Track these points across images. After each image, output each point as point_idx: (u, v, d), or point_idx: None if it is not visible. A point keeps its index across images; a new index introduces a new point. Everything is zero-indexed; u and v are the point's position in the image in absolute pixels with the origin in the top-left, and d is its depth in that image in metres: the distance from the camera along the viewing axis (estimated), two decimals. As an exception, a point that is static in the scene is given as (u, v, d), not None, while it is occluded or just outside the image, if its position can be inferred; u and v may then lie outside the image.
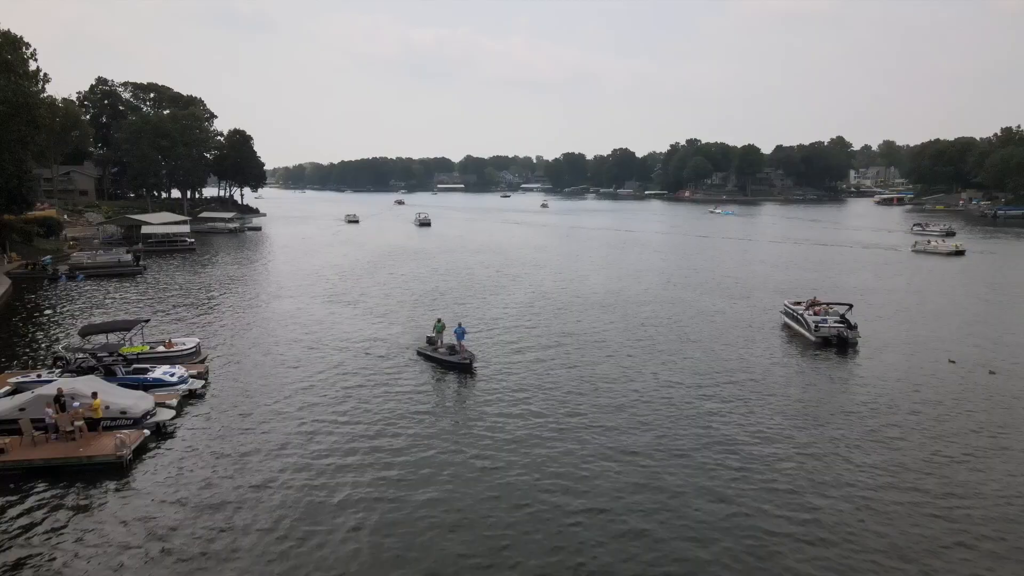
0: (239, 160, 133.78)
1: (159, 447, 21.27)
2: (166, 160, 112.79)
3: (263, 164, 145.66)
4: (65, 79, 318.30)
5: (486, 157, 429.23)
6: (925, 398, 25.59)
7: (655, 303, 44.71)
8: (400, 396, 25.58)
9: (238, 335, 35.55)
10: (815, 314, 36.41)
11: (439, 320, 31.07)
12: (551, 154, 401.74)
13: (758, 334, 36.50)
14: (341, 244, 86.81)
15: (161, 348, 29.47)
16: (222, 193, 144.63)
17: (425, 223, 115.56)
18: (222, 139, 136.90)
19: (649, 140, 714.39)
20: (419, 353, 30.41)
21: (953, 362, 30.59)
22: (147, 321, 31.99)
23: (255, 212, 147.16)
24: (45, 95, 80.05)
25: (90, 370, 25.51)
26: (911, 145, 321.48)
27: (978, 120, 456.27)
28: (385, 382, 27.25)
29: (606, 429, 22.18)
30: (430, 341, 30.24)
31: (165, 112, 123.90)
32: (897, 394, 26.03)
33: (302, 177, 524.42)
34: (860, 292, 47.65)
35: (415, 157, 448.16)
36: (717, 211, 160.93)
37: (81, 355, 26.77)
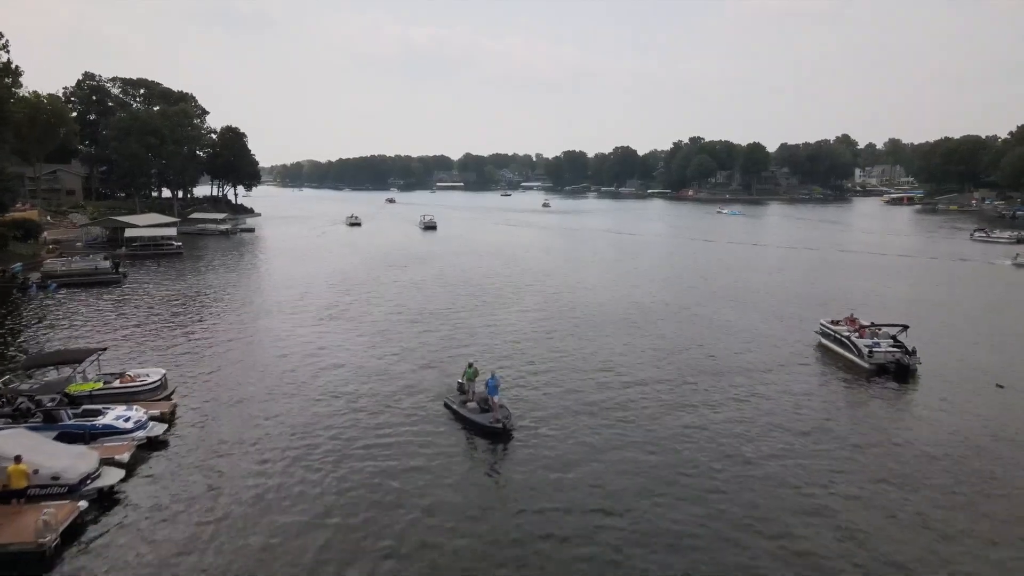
0: (232, 158, 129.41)
1: (98, 524, 17.14)
2: (155, 158, 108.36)
3: (257, 162, 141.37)
4: (64, 77, 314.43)
5: (486, 155, 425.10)
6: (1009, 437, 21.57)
7: (676, 320, 40.64)
8: (415, 469, 19.78)
9: (217, 362, 31.34)
10: (860, 336, 32.47)
11: (470, 365, 25.24)
12: (551, 152, 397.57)
13: (797, 359, 32.43)
14: (341, 248, 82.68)
15: (118, 383, 25.30)
16: (215, 192, 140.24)
17: (431, 226, 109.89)
18: (215, 137, 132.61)
19: (650, 138, 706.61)
20: (446, 406, 24.65)
21: (1001, 387, 27.45)
22: (103, 350, 27.78)
23: (249, 212, 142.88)
24: (21, 89, 75.99)
25: (27, 415, 21.39)
26: (915, 143, 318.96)
27: (982, 118, 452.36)
28: (399, 444, 21.62)
29: (680, 515, 17.35)
30: (461, 389, 24.83)
31: (155, 108, 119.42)
32: (977, 434, 22.00)
33: (300, 175, 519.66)
34: (940, 309, 43.58)
35: (414, 155, 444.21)
36: (724, 211, 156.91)
37: (20, 397, 22.60)
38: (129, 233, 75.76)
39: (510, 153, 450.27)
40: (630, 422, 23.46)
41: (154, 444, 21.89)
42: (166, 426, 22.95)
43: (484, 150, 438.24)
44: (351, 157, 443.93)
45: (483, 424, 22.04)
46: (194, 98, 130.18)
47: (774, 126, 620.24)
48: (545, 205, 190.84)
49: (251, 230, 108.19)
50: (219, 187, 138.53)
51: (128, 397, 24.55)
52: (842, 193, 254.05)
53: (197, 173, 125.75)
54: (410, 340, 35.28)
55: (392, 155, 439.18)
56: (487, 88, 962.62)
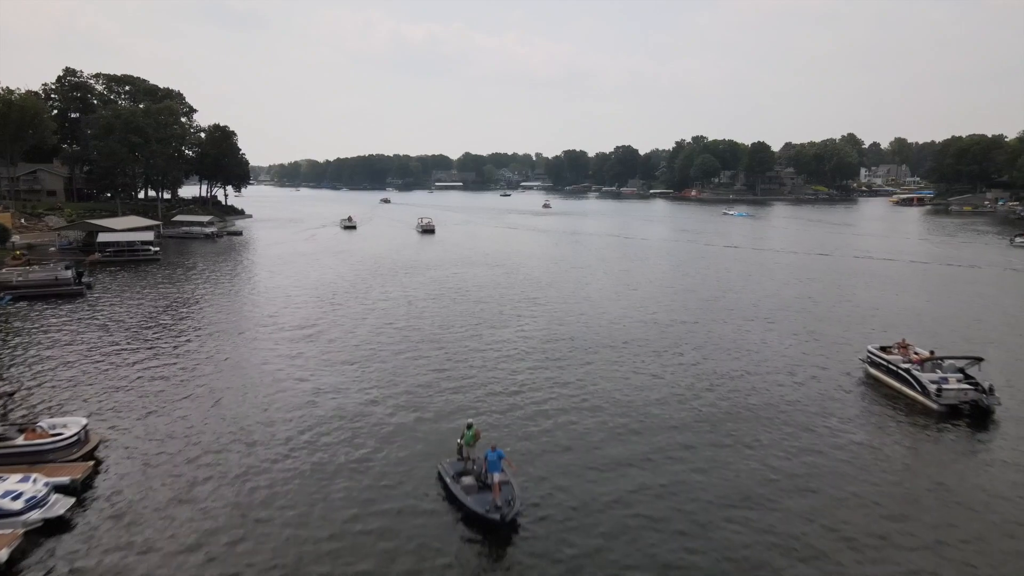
0: (220, 157, 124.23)
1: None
2: (139, 157, 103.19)
3: (247, 162, 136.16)
4: (55, 77, 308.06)
5: (485, 154, 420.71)
6: None
7: (699, 343, 35.71)
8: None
9: (164, 404, 26.30)
10: (920, 367, 27.59)
11: (469, 426, 19.40)
12: (551, 151, 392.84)
13: (846, 396, 27.60)
14: (330, 254, 77.73)
15: (21, 440, 20.36)
16: (205, 193, 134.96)
17: (428, 230, 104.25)
18: (203, 135, 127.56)
19: (652, 137, 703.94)
20: (440, 477, 19.14)
21: None
22: (11, 395, 22.86)
23: (239, 213, 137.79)
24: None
25: None
26: (920, 143, 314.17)
27: (984, 118, 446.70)
28: (371, 542, 16.24)
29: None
30: (460, 454, 19.27)
31: (140, 106, 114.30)
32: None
33: (297, 174, 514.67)
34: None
35: (413, 154, 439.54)
36: (730, 213, 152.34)
37: None
38: (102, 238, 70.73)
39: (509, 152, 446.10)
40: (668, 510, 18.18)
41: (53, 527, 17.02)
42: (73, 500, 18.07)
43: (483, 149, 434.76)
44: (349, 156, 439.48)
45: (478, 512, 16.72)
46: (181, 95, 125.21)
47: (775, 126, 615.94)
48: (546, 206, 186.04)
49: (239, 233, 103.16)
50: (208, 188, 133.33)
51: (32, 458, 19.66)
52: (848, 193, 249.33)
53: (182, 173, 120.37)
54: (398, 372, 30.38)
55: (391, 154, 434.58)
56: (486, 87, 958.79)
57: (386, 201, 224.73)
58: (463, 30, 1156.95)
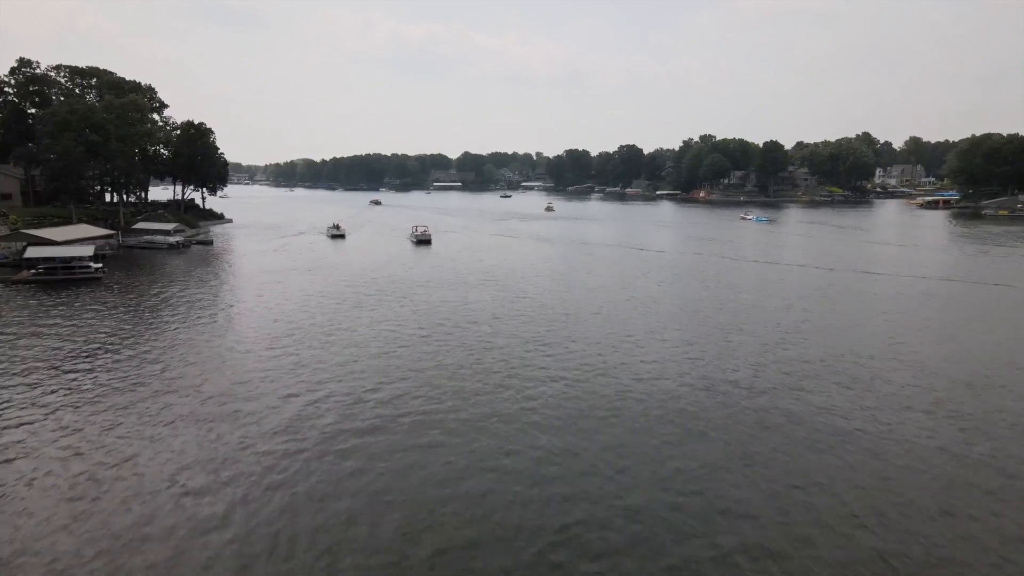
0: (195, 157, 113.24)
1: None
2: (98, 157, 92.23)
3: (225, 163, 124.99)
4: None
5: (484, 154, 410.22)
6: None
7: (773, 424, 25.18)
8: None
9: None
10: None
11: None
12: (552, 151, 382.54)
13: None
14: (303, 273, 67.01)
15: None
16: (180, 196, 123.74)
17: (424, 240, 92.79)
18: (178, 133, 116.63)
19: (652, 137, 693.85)
20: None
21: None
22: None
23: (218, 218, 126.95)
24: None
25: None
26: (933, 142, 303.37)
27: (985, 118, 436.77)
28: None
29: None
30: None
31: (103, 101, 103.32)
32: None
33: (294, 174, 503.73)
34: None
35: (411, 154, 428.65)
36: (748, 217, 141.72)
37: None
38: (31, 253, 59.80)
39: (509, 152, 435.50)
40: None
41: None
42: None
43: (483, 148, 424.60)
44: (346, 156, 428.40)
45: None
46: (152, 89, 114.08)
47: (776, 126, 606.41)
48: (549, 209, 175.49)
49: (209, 243, 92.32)
50: (182, 190, 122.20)
51: None
52: (863, 195, 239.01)
53: (147, 175, 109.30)
54: (344, 486, 19.80)
55: (389, 153, 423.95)
56: (486, 87, 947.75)
57: (376, 203, 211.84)
58: (463, 30, 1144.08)
